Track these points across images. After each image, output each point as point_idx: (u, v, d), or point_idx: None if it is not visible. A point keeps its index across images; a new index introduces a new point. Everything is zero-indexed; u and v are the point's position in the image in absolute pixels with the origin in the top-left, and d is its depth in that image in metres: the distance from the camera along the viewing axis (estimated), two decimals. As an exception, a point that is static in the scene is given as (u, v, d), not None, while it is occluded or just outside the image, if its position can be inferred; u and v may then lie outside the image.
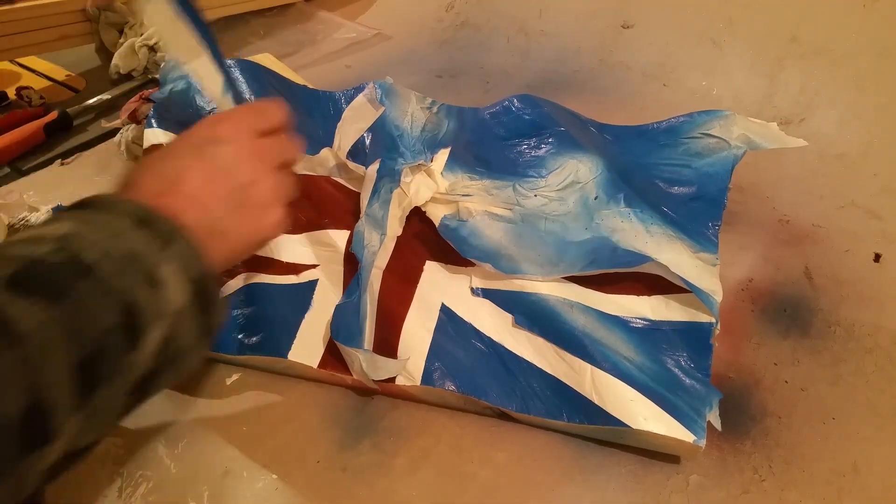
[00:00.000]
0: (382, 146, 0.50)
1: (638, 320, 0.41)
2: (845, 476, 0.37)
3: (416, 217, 0.46)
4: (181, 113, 0.52)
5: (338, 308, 0.42)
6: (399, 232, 0.46)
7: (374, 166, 0.48)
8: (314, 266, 0.46)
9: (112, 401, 0.26)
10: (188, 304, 0.28)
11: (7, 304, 0.22)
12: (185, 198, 0.30)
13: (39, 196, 0.60)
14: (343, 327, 0.40)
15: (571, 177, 0.47)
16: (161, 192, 0.30)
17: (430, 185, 0.47)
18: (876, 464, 0.38)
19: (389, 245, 0.45)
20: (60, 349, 0.23)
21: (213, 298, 0.30)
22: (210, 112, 0.52)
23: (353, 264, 0.45)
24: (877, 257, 0.47)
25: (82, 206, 0.28)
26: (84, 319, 0.24)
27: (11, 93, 0.74)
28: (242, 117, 0.34)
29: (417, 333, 0.42)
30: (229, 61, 0.54)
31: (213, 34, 0.38)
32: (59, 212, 0.28)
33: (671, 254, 0.43)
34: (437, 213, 0.46)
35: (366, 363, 0.38)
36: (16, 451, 0.22)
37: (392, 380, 0.40)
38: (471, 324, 0.42)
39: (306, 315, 0.43)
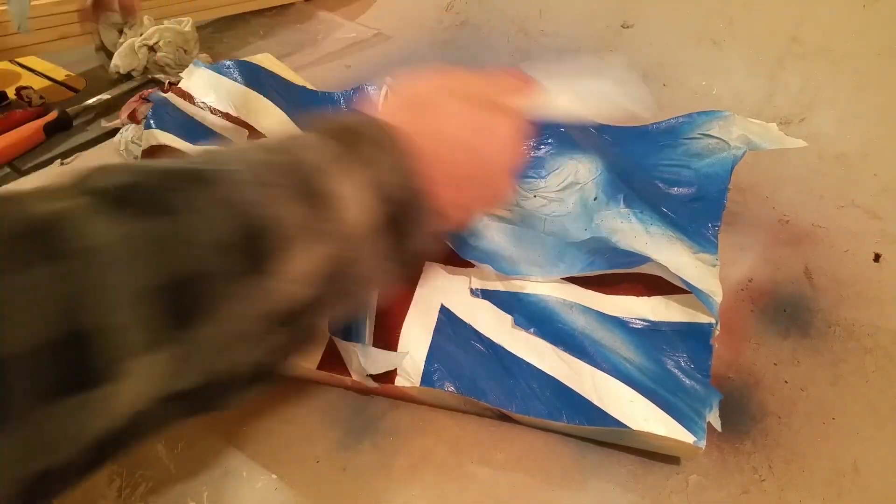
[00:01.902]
0: None
1: (638, 321, 0.41)
2: (845, 476, 0.37)
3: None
4: (180, 114, 0.52)
5: None
6: None
7: None
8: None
9: (219, 336, 0.21)
10: (374, 227, 0.24)
11: (86, 215, 0.19)
12: (435, 139, 0.27)
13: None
14: (341, 324, 0.40)
15: (571, 177, 0.47)
16: (408, 121, 0.27)
17: None
18: (876, 464, 0.38)
19: None
20: (139, 268, 0.19)
21: (412, 225, 0.26)
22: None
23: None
24: (877, 257, 0.47)
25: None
26: (184, 236, 0.20)
27: (11, 93, 0.74)
28: (518, 91, 0.32)
29: (416, 335, 0.42)
30: (228, 62, 0.54)
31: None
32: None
33: (671, 254, 0.43)
34: (436, 214, 0.46)
35: (363, 357, 0.38)
36: (48, 385, 0.17)
37: (391, 381, 0.40)
38: (470, 325, 0.42)
39: (306, 315, 0.43)
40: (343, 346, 0.39)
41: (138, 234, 0.19)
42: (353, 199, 0.23)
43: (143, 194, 0.20)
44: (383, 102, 0.29)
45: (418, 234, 0.27)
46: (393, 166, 0.25)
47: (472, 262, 0.43)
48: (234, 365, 0.23)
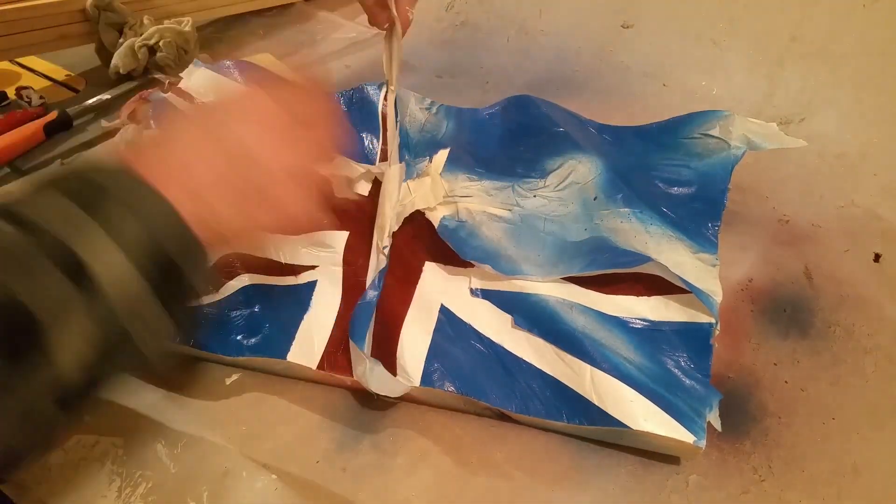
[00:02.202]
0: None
1: (638, 321, 0.41)
2: (845, 476, 0.37)
3: (415, 218, 0.46)
4: (181, 113, 0.52)
5: (357, 306, 0.41)
6: (395, 228, 0.45)
7: (397, 169, 0.47)
8: (313, 267, 0.46)
9: None
10: (136, 294, 0.22)
11: None
12: (169, 168, 0.25)
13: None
14: (358, 327, 0.40)
15: (571, 177, 0.47)
16: (143, 164, 0.24)
17: (437, 193, 0.46)
18: (876, 464, 0.38)
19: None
20: None
21: (183, 276, 0.24)
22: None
23: (352, 265, 0.45)
24: (877, 257, 0.47)
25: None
26: None
27: (11, 93, 0.74)
28: (278, 93, 0.28)
29: (417, 334, 0.42)
30: (228, 62, 0.54)
31: None
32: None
33: (671, 254, 0.43)
34: (436, 214, 0.46)
35: (370, 372, 0.38)
36: None
37: (391, 380, 0.40)
38: (470, 325, 0.42)
39: (305, 316, 0.43)
40: (356, 352, 0.39)
41: None
42: (107, 271, 0.22)
43: None
44: (138, 140, 0.27)
45: (194, 280, 0.25)
46: (145, 222, 0.23)
47: (472, 262, 0.43)
48: (7, 445, 0.22)
